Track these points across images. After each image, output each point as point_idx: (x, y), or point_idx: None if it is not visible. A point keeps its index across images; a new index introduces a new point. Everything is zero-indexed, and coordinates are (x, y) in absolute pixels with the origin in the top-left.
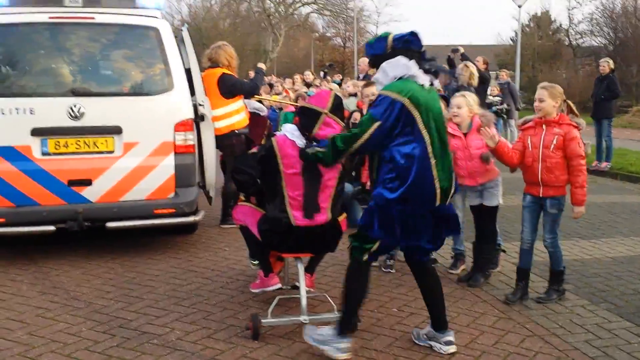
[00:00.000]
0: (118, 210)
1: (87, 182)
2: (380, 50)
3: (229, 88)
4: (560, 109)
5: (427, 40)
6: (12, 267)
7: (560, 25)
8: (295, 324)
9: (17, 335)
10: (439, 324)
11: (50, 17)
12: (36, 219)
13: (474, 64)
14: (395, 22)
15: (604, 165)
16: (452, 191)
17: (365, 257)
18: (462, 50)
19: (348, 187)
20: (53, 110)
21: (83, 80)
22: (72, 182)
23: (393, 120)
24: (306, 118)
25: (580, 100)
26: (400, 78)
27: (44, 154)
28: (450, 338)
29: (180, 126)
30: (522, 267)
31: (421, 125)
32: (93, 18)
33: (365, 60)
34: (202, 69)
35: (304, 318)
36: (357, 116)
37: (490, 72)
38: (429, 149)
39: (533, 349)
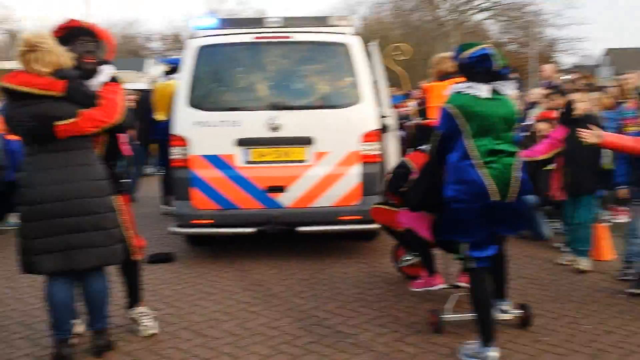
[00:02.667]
0: (308, 216)
1: (282, 189)
2: (457, 61)
3: None
4: None
5: (615, 43)
6: (217, 265)
7: None
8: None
9: (228, 327)
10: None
11: (255, 37)
12: (239, 222)
13: None
14: (577, 25)
15: None
16: (514, 189)
17: (473, 264)
18: None
19: (530, 198)
20: (255, 123)
21: (281, 95)
22: (269, 189)
23: (448, 128)
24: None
25: None
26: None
27: (245, 162)
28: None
29: (368, 137)
30: None
31: (464, 129)
32: (290, 37)
33: (549, 67)
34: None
35: None
36: (542, 127)
37: None
38: (472, 151)
39: None
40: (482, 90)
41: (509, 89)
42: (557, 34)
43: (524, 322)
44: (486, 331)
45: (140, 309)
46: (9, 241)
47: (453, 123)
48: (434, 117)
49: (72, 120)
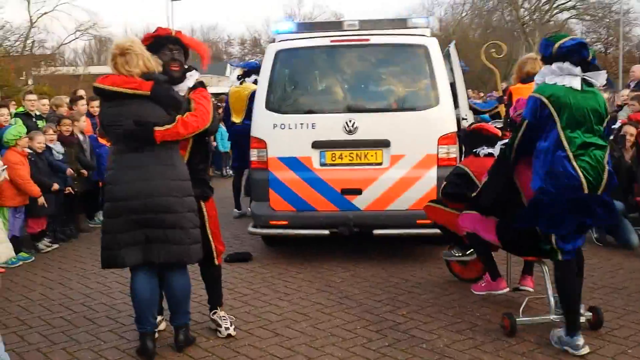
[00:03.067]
0: (384, 219)
1: (358, 192)
2: (547, 54)
3: None
4: None
5: None
6: (293, 265)
7: None
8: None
9: (302, 327)
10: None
11: (331, 41)
12: (313, 223)
13: None
14: None
15: None
16: (605, 182)
17: (559, 256)
18: None
19: (617, 204)
20: (331, 125)
21: (357, 98)
22: (344, 191)
23: (537, 117)
24: None
25: None
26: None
27: (321, 164)
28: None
29: (444, 140)
30: None
31: (557, 119)
32: (368, 40)
33: (638, 67)
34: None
35: (553, 317)
36: (630, 130)
37: None
38: (565, 143)
39: None
40: (575, 81)
41: (599, 81)
42: None
43: (593, 326)
44: (573, 321)
45: (221, 313)
46: (97, 238)
47: (544, 112)
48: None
49: (170, 126)
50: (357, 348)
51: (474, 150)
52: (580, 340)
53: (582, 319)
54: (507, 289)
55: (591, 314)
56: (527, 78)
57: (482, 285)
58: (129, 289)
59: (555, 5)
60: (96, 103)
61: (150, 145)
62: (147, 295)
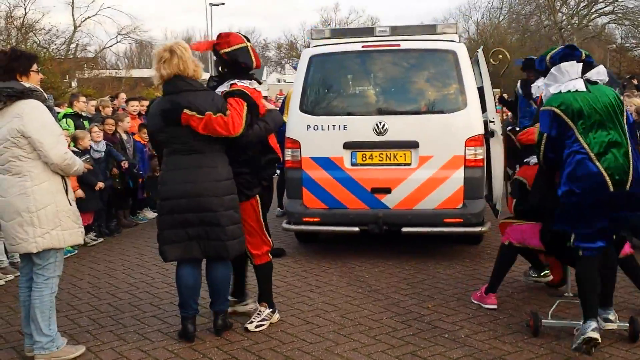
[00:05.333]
0: (412, 217)
1: (387, 191)
2: (542, 68)
3: None
4: None
5: None
6: (324, 260)
7: None
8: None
9: (332, 316)
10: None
11: (363, 46)
12: (344, 221)
13: None
14: None
15: None
16: (633, 178)
17: (580, 252)
18: None
19: None
20: (362, 127)
21: (388, 100)
22: (374, 190)
23: (555, 128)
24: None
25: None
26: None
27: (352, 164)
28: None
29: (471, 141)
30: None
31: (573, 126)
32: (399, 45)
33: None
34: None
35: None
36: None
37: None
38: (585, 145)
39: None
40: (578, 83)
41: (600, 76)
42: None
43: (631, 337)
44: (588, 309)
45: (261, 308)
46: (140, 233)
47: (560, 121)
48: None
49: (197, 115)
50: (383, 336)
51: (525, 160)
52: (594, 324)
53: (614, 326)
54: (495, 306)
55: (628, 324)
56: None
57: (477, 295)
58: (174, 277)
59: (593, 10)
60: (135, 103)
61: (179, 130)
62: (191, 283)
